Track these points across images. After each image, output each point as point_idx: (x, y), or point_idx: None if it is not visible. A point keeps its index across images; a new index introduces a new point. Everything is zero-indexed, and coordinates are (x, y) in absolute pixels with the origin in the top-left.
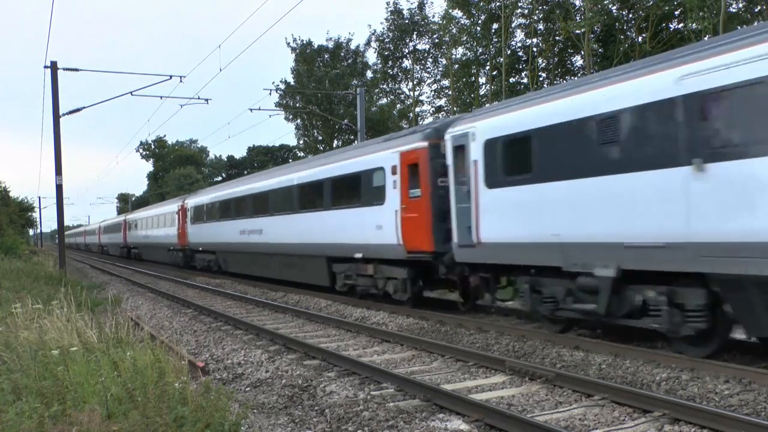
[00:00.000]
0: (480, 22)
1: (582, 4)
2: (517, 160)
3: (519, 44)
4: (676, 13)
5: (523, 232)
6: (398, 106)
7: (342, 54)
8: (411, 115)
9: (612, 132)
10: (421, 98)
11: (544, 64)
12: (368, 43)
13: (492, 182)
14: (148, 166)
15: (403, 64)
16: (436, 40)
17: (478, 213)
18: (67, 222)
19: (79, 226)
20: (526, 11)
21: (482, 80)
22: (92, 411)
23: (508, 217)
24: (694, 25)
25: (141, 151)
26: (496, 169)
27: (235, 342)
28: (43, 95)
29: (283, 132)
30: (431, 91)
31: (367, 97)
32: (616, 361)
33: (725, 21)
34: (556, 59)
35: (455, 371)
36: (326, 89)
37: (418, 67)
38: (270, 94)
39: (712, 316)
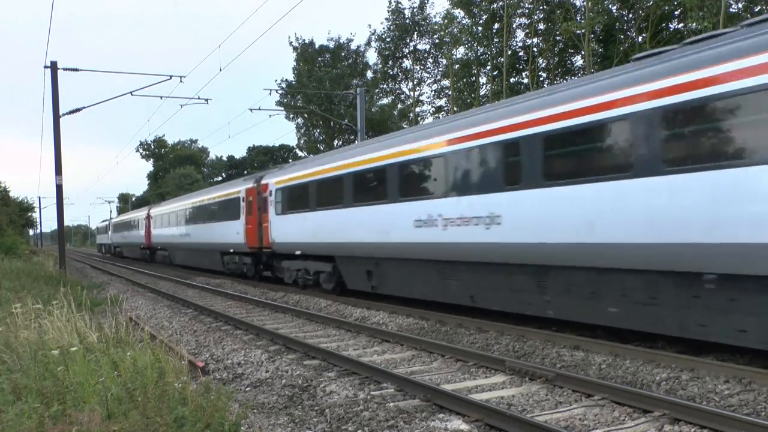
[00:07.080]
0: (481, 21)
1: (582, 4)
2: None
3: (519, 44)
4: (676, 13)
5: None
6: (398, 106)
7: (343, 54)
8: (411, 115)
9: None
10: (421, 98)
11: (544, 64)
12: (368, 43)
13: None
14: (148, 166)
15: (404, 64)
16: (437, 41)
17: None
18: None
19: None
20: (527, 11)
21: (483, 80)
22: (92, 411)
23: None
24: (694, 24)
25: (141, 151)
26: None
27: (235, 342)
28: (43, 95)
29: (283, 132)
30: (431, 91)
31: (367, 97)
32: (616, 361)
33: (725, 21)
34: (557, 59)
35: (455, 371)
36: (327, 89)
37: (418, 67)
38: (270, 94)
39: None
